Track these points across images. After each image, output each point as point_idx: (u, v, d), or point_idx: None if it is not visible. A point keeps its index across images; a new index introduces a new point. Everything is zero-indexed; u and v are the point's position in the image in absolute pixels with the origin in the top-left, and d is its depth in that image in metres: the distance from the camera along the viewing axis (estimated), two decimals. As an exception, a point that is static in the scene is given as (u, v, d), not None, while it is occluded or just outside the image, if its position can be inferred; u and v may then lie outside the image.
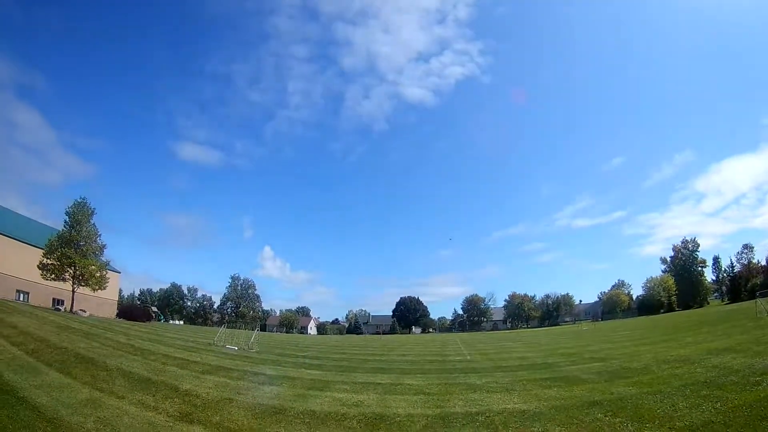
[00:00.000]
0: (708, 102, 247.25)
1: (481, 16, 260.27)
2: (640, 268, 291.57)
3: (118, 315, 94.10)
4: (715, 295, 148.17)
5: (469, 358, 34.67)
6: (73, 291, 70.54)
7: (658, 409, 11.89)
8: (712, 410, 11.16)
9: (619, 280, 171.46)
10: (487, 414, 12.86)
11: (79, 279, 70.22)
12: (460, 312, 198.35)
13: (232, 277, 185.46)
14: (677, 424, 10.34)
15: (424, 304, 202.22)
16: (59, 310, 68.26)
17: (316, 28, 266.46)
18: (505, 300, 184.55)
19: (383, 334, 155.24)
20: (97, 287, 72.83)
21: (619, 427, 10.62)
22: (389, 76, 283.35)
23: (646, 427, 10.42)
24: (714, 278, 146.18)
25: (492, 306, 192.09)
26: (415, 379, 21.49)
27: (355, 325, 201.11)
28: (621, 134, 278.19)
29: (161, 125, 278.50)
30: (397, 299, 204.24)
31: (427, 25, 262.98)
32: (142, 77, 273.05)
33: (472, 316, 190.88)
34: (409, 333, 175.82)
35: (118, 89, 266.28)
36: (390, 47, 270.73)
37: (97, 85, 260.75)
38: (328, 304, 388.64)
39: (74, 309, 69.54)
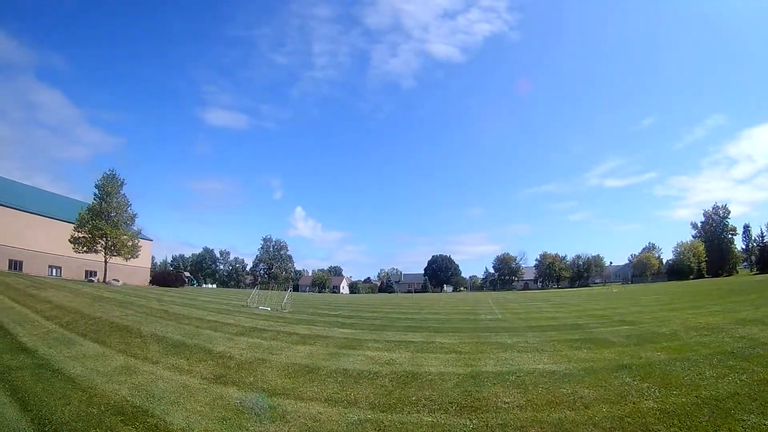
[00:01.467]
0: (742, 65, 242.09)
1: None
2: (671, 232, 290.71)
3: (152, 282, 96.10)
4: (744, 264, 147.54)
5: (500, 317, 34.73)
6: (106, 261, 72.31)
7: (685, 376, 11.81)
8: (738, 382, 11.01)
9: (649, 243, 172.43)
10: (518, 374, 12.93)
11: (111, 249, 71.90)
12: (492, 271, 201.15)
13: (263, 239, 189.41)
14: (703, 393, 10.25)
15: (456, 262, 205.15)
16: (92, 281, 70.06)
17: None
18: (536, 259, 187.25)
19: (415, 292, 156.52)
20: (129, 256, 74.63)
21: (647, 392, 10.59)
22: (415, 33, 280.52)
23: (672, 393, 10.36)
24: (744, 247, 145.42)
25: (523, 265, 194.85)
26: (446, 338, 21.47)
27: (387, 284, 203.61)
28: (652, 94, 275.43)
29: (186, 93, 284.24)
30: (429, 258, 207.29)
31: None
32: (162, 47, 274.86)
33: (504, 275, 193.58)
34: (441, 291, 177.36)
35: (139, 61, 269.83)
36: (415, 5, 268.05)
37: (118, 58, 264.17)
38: (360, 263, 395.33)
39: (107, 279, 71.22)
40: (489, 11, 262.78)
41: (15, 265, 70.94)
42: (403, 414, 9.85)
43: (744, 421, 8.37)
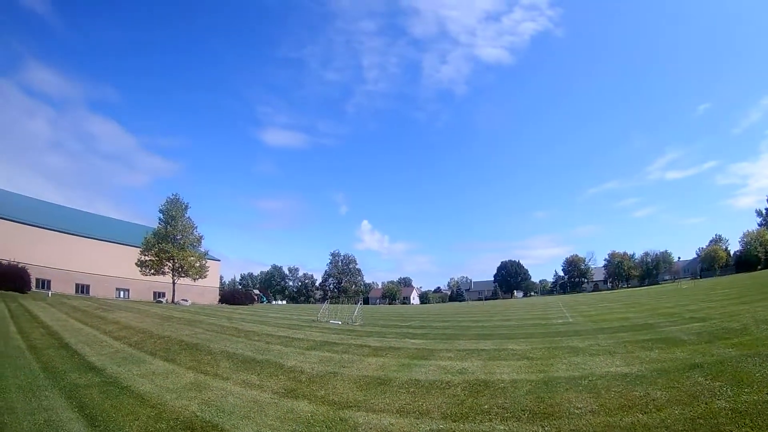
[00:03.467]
0: None
1: None
2: (737, 221, 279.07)
3: (221, 301, 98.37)
4: None
5: (571, 320, 34.46)
6: (174, 282, 74.42)
7: (757, 373, 11.53)
8: None
9: (716, 235, 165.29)
10: (590, 378, 12.86)
11: (179, 271, 73.99)
12: (561, 274, 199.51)
13: (332, 254, 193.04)
14: (775, 389, 10.00)
15: (525, 267, 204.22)
16: (161, 302, 72.37)
17: (380, 1, 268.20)
18: (605, 259, 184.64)
19: (485, 299, 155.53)
20: (197, 277, 76.54)
21: (718, 391, 10.37)
22: (462, 39, 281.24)
23: (744, 391, 10.10)
24: None
25: (592, 266, 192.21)
26: (518, 344, 21.40)
27: (457, 292, 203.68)
28: (704, 79, 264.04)
29: (241, 115, 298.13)
30: (498, 264, 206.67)
31: None
32: (214, 72, 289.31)
33: (573, 277, 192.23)
34: (511, 297, 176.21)
35: (192, 87, 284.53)
36: (458, 10, 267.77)
37: (170, 86, 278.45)
38: (429, 273, 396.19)
39: (176, 299, 73.18)
40: (531, 9, 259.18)
41: (82, 289, 74.27)
42: (475, 423, 9.81)
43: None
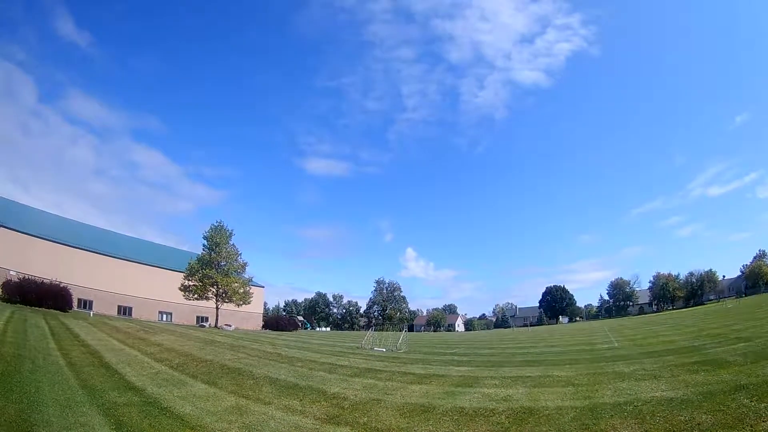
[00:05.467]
0: None
1: None
2: None
3: (264, 326, 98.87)
4: None
5: (616, 345, 34.46)
6: (217, 308, 75.21)
7: None
8: None
9: (760, 251, 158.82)
10: (635, 403, 12.85)
11: (223, 296, 74.73)
12: (606, 297, 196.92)
13: (376, 281, 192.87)
14: (822, 409, 10.11)
15: (570, 292, 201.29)
16: (204, 326, 73.40)
17: (415, 29, 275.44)
18: (650, 281, 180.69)
19: (531, 325, 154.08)
20: (241, 302, 77.17)
21: (764, 413, 10.27)
22: (498, 63, 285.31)
23: None
24: None
25: (637, 288, 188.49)
26: (563, 371, 21.43)
27: (502, 319, 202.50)
28: (741, 88, 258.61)
29: (284, 145, 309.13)
30: (543, 289, 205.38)
31: (522, 5, 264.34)
32: (256, 103, 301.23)
33: (618, 300, 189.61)
34: (557, 323, 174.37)
35: (235, 119, 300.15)
36: (492, 34, 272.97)
37: (213, 118, 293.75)
38: (474, 300, 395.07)
39: (219, 324, 73.92)
40: (565, 29, 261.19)
41: (124, 311, 75.73)
42: (519, 451, 9.71)
43: None
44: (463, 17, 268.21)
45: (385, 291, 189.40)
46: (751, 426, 9.40)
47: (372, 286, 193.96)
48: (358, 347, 41.87)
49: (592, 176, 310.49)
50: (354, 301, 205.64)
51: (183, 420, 11.90)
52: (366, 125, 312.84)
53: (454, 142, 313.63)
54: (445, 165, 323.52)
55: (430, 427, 11.87)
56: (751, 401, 11.27)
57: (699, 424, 10.04)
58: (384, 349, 39.00)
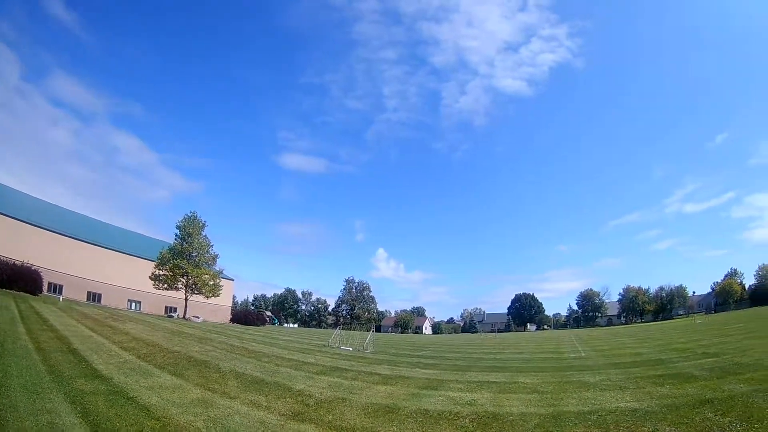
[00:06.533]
0: None
1: None
2: (754, 255, 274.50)
3: (232, 320, 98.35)
4: None
5: (583, 355, 34.77)
6: (186, 299, 74.66)
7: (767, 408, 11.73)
8: None
9: (731, 269, 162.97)
10: (599, 413, 12.96)
11: (192, 287, 74.20)
12: (575, 308, 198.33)
13: (346, 280, 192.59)
14: (787, 425, 10.26)
15: (539, 300, 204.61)
16: (172, 317, 72.82)
17: (401, 30, 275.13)
18: (620, 294, 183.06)
19: (498, 332, 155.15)
20: (210, 295, 76.72)
21: (728, 427, 10.51)
22: (481, 69, 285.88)
23: (754, 427, 10.26)
24: None
25: (607, 300, 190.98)
26: (529, 378, 21.54)
27: (470, 324, 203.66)
28: (724, 108, 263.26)
29: (263, 139, 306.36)
30: (512, 296, 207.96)
31: (510, 14, 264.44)
32: (239, 96, 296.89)
33: (587, 311, 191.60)
34: (524, 330, 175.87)
35: (216, 110, 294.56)
36: (477, 40, 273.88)
37: (196, 108, 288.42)
38: (443, 304, 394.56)
39: (188, 316, 73.49)
40: (550, 40, 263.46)
41: (94, 297, 74.47)
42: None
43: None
44: (449, 21, 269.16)
45: (354, 290, 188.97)
46: (715, 439, 9.42)
47: (342, 285, 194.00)
48: (325, 345, 41.87)
49: (570, 187, 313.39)
50: (323, 299, 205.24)
51: (149, 411, 11.75)
52: (346, 124, 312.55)
53: (432, 145, 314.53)
54: (423, 168, 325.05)
55: (395, 428, 11.90)
56: (715, 415, 11.49)
57: (663, 436, 10.01)
58: (351, 349, 38.98)
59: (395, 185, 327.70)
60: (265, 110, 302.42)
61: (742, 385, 15.07)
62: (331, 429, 11.56)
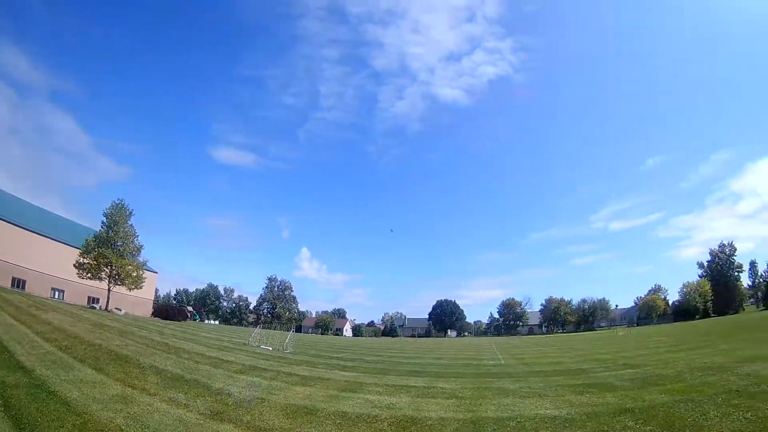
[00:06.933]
0: (746, 99, 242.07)
1: (511, 12, 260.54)
2: (679, 272, 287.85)
3: (154, 314, 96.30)
4: (750, 300, 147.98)
5: (503, 362, 35.24)
6: (109, 290, 72.40)
7: (689, 417, 12.03)
8: (743, 420, 11.31)
9: (655, 285, 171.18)
10: (519, 419, 13.02)
11: (116, 278, 72.13)
12: (497, 316, 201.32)
13: (269, 278, 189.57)
14: (707, 433, 10.42)
15: (461, 307, 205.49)
16: (94, 308, 70.48)
17: (346, 30, 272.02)
18: (542, 304, 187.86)
19: (418, 337, 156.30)
20: (133, 286, 74.81)
21: None
22: (421, 76, 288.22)
23: None
24: (750, 283, 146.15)
25: (528, 310, 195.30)
26: (448, 383, 21.79)
27: (390, 328, 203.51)
28: (657, 133, 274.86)
29: (196, 129, 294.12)
30: (434, 302, 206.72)
31: (457, 24, 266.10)
32: (177, 81, 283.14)
33: (508, 320, 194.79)
34: (445, 336, 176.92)
35: (152, 96, 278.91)
36: (421, 47, 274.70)
37: (131, 90, 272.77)
38: (364, 306, 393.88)
39: (109, 307, 71.37)
40: (493, 53, 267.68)
41: (18, 284, 71.29)
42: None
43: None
44: (396, 26, 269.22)
45: (276, 289, 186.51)
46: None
47: (264, 283, 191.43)
48: (245, 343, 41.68)
49: (500, 198, 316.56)
50: (245, 296, 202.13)
51: (69, 406, 11.68)
52: (280, 120, 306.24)
53: (365, 148, 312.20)
54: (353, 169, 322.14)
55: (313, 429, 12.02)
56: (636, 424, 11.78)
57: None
58: (270, 348, 38.95)
59: (323, 184, 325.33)
60: (202, 99, 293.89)
61: (663, 395, 15.43)
62: (250, 429, 11.61)
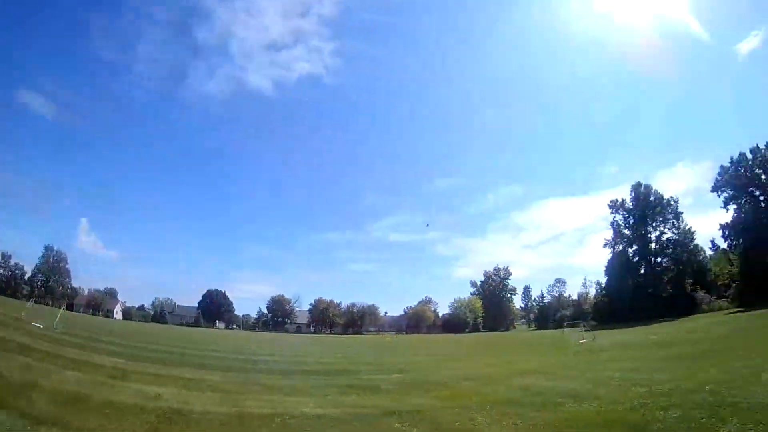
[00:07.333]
0: (540, 145, 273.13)
1: (345, 17, 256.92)
2: (451, 288, 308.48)
3: None
4: (522, 320, 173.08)
5: (269, 358, 36.14)
6: None
7: (457, 422, 12.56)
8: (512, 426, 11.92)
9: (426, 297, 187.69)
10: (284, 416, 13.26)
11: None
12: (265, 311, 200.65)
13: (45, 248, 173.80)
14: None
15: (230, 299, 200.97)
16: None
17: None
18: (311, 304, 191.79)
19: (187, 325, 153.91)
20: None
21: None
22: (238, 59, 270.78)
23: None
24: (523, 305, 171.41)
25: (297, 308, 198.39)
26: (215, 375, 22.45)
27: (160, 314, 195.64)
28: (451, 159, 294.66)
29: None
30: (204, 291, 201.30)
31: (290, 15, 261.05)
32: None
33: (277, 316, 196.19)
34: (213, 327, 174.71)
35: None
36: (248, 30, 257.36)
37: None
38: (135, 288, 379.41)
39: None
40: (313, 51, 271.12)
41: None
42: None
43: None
44: (231, 2, 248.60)
45: (51, 260, 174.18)
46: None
47: (41, 252, 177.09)
48: (17, 318, 39.87)
49: (284, 196, 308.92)
50: (21, 264, 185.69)
51: None
52: (93, 73, 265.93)
53: (169, 117, 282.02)
54: (147, 143, 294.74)
55: (83, 419, 11.61)
56: (402, 426, 12.24)
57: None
58: (42, 326, 37.57)
59: (110, 151, 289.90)
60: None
61: (430, 400, 16.18)
62: (21, 418, 11.00)
